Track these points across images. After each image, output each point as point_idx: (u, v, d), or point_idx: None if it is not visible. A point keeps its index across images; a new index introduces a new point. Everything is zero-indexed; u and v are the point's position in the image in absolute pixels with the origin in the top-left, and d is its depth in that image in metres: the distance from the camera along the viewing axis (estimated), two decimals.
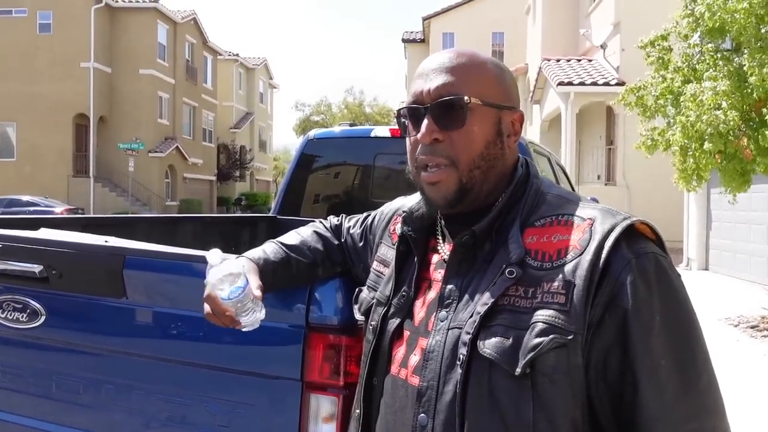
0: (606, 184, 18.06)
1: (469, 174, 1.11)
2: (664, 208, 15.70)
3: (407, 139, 1.18)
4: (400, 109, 1.18)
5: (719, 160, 7.22)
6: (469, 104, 1.10)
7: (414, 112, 1.14)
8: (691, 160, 7.38)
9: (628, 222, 1.02)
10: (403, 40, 39.31)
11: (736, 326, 7.84)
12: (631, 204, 16.54)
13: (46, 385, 1.85)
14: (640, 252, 1.00)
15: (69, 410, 1.82)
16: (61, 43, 30.55)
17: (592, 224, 1.03)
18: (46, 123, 30.27)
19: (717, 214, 12.62)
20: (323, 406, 1.55)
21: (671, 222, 15.17)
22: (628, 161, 16.57)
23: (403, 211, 1.28)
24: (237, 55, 45.79)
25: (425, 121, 1.11)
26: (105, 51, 31.61)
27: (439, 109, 1.10)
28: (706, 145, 6.88)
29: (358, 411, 1.26)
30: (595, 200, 4.58)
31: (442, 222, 1.22)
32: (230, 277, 1.27)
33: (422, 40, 37.01)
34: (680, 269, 13.42)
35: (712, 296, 10.05)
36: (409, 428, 1.09)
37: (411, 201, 1.33)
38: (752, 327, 7.67)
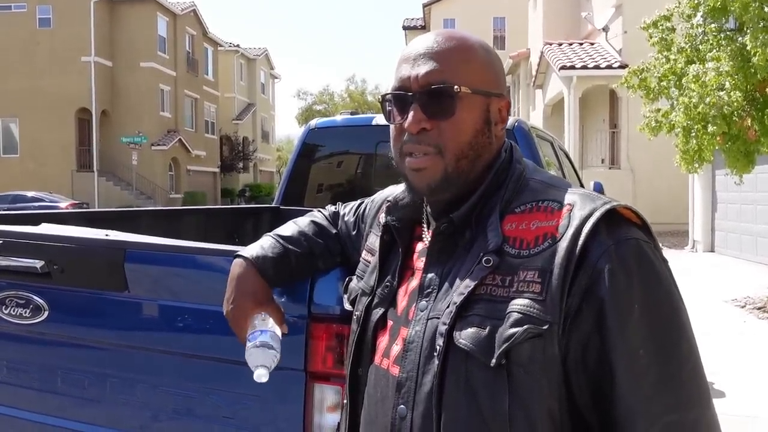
0: (610, 168, 18.02)
1: (456, 164, 1.08)
2: (669, 191, 15.69)
3: (391, 126, 1.14)
4: (385, 95, 1.14)
5: (722, 142, 7.19)
6: (459, 93, 1.06)
7: (400, 98, 1.10)
8: (694, 141, 7.35)
9: (608, 207, 0.98)
10: (404, 27, 39.13)
11: (743, 307, 7.83)
12: (635, 187, 16.52)
13: (52, 380, 1.85)
14: (621, 238, 0.96)
15: (74, 405, 1.83)
16: (61, 38, 30.55)
17: (571, 210, 0.99)
18: (48, 118, 30.33)
19: (722, 196, 12.58)
20: (327, 396, 1.55)
21: (676, 204, 15.17)
22: (632, 144, 16.52)
23: (388, 200, 1.26)
24: (237, 45, 45.70)
25: (412, 110, 1.07)
26: (105, 45, 31.60)
27: (428, 98, 1.06)
28: (710, 128, 6.85)
29: (345, 401, 1.26)
30: (599, 185, 4.52)
31: (428, 209, 1.19)
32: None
33: (423, 27, 36.83)
34: (686, 251, 13.43)
35: (718, 278, 10.04)
36: (389, 419, 1.07)
37: (399, 189, 1.29)
38: (759, 308, 7.66)
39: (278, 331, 1.33)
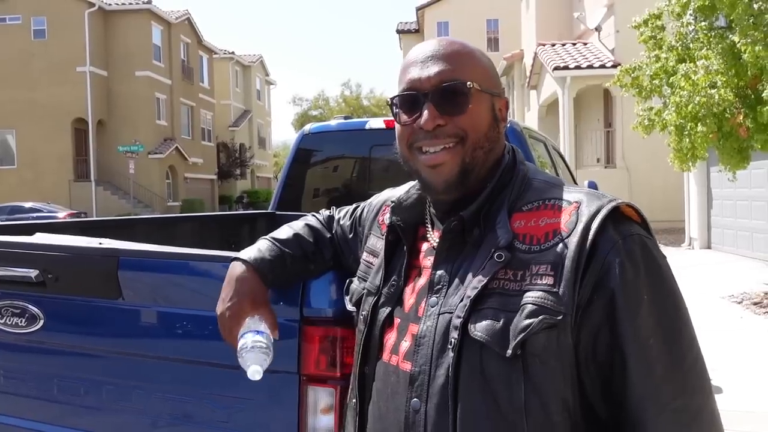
0: (606, 167, 18.05)
1: (473, 153, 1.12)
2: (664, 189, 15.71)
3: (397, 126, 1.18)
4: (394, 97, 1.18)
5: (715, 139, 7.21)
6: (471, 89, 1.11)
7: (411, 98, 1.14)
8: (687, 139, 7.37)
9: (613, 204, 1.03)
10: (398, 31, 39.21)
11: (739, 303, 7.85)
12: (631, 186, 16.53)
13: (48, 389, 1.86)
14: (626, 234, 1.01)
15: (71, 412, 1.84)
16: (56, 49, 30.56)
17: (578, 207, 1.04)
18: (45, 129, 30.33)
19: (717, 193, 12.61)
20: (321, 398, 1.56)
21: (672, 202, 15.19)
22: (627, 143, 16.55)
23: (392, 202, 1.29)
24: (232, 53, 45.74)
25: (426, 108, 1.11)
26: (100, 54, 31.62)
27: (441, 95, 1.11)
28: (700, 128, 6.88)
29: (354, 400, 1.27)
30: (593, 183, 4.53)
31: (432, 210, 1.23)
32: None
33: (417, 30, 36.90)
34: (683, 248, 13.45)
35: (715, 274, 10.06)
36: (402, 413, 1.10)
37: (399, 191, 1.34)
38: (755, 303, 7.68)
39: (271, 334, 1.35)
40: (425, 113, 1.11)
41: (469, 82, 1.11)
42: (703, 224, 13.21)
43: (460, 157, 1.11)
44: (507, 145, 1.21)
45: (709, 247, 13.05)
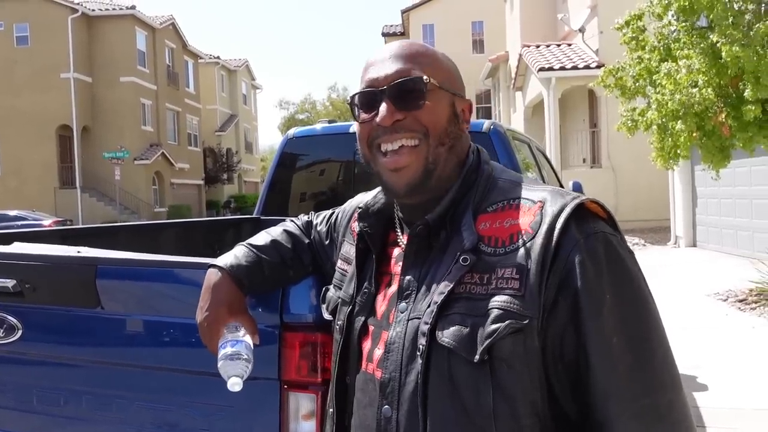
0: (592, 167, 18.14)
1: (435, 151, 1.10)
2: (650, 188, 15.81)
3: (357, 125, 1.17)
4: (353, 96, 1.16)
5: (697, 138, 7.27)
6: (428, 84, 1.10)
7: (370, 95, 1.13)
8: (670, 138, 7.43)
9: (577, 202, 1.02)
10: (383, 34, 39.20)
11: (725, 300, 7.90)
12: (617, 185, 16.62)
13: (28, 399, 1.84)
14: (589, 232, 1.00)
15: (52, 423, 1.82)
16: (39, 55, 30.37)
17: (542, 206, 1.03)
18: (29, 136, 30.11)
19: (702, 191, 12.71)
20: (302, 404, 1.56)
21: (658, 201, 15.29)
22: (612, 143, 16.64)
23: (359, 208, 1.27)
24: (218, 57, 45.62)
25: (383, 104, 1.10)
26: (84, 60, 31.45)
27: (398, 91, 1.10)
28: (679, 125, 6.93)
29: (331, 410, 1.26)
30: (577, 184, 4.50)
31: (400, 214, 1.21)
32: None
33: (402, 33, 36.90)
34: (669, 247, 13.53)
35: (700, 272, 10.12)
36: (375, 421, 1.09)
37: (369, 196, 1.31)
38: (740, 300, 7.73)
39: (251, 341, 1.34)
40: (382, 108, 1.10)
41: (425, 77, 1.10)
42: (689, 223, 13.31)
43: (423, 157, 1.10)
44: (472, 146, 1.20)
45: (694, 246, 13.15)
